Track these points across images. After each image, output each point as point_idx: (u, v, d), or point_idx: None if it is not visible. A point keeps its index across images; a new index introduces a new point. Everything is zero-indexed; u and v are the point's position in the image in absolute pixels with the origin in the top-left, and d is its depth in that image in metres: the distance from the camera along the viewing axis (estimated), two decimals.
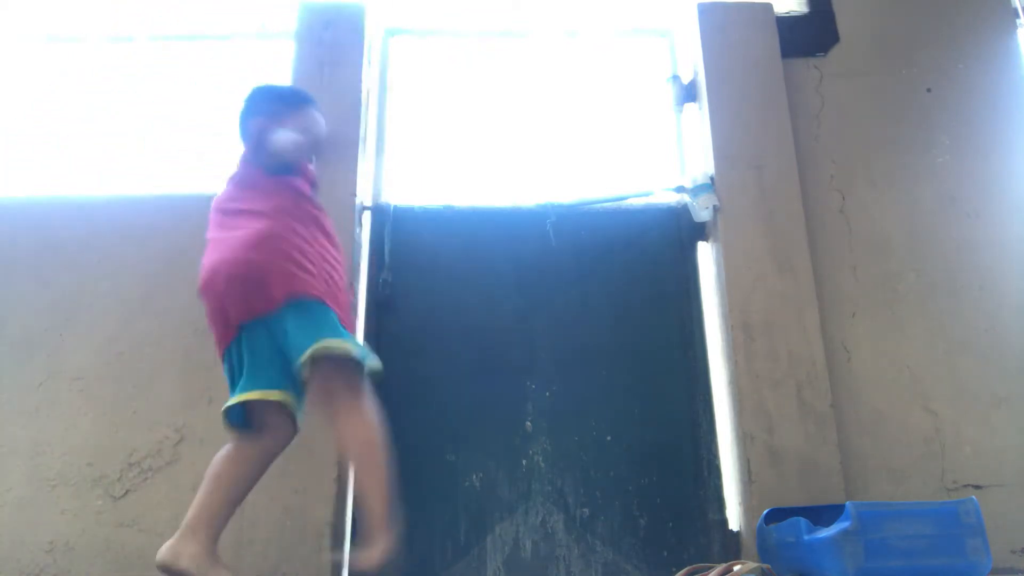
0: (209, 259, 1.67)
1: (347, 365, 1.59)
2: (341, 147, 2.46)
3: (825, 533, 1.68)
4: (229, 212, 1.75)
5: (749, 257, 2.39)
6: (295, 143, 1.79)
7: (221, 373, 2.23)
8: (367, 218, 2.54)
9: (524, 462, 2.31)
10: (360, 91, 2.54)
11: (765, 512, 1.99)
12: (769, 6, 2.71)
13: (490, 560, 2.21)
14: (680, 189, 2.57)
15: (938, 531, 1.65)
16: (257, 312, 1.59)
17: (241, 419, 1.63)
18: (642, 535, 2.25)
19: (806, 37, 2.73)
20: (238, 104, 1.95)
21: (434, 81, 2.90)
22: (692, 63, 2.75)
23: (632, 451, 2.32)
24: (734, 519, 2.26)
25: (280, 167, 1.79)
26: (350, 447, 1.61)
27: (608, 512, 2.27)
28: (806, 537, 1.74)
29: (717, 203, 2.45)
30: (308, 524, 2.09)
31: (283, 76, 2.65)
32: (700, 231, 2.56)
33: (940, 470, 2.26)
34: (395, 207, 2.57)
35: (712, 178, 2.48)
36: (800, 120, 2.60)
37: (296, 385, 1.62)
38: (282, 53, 2.74)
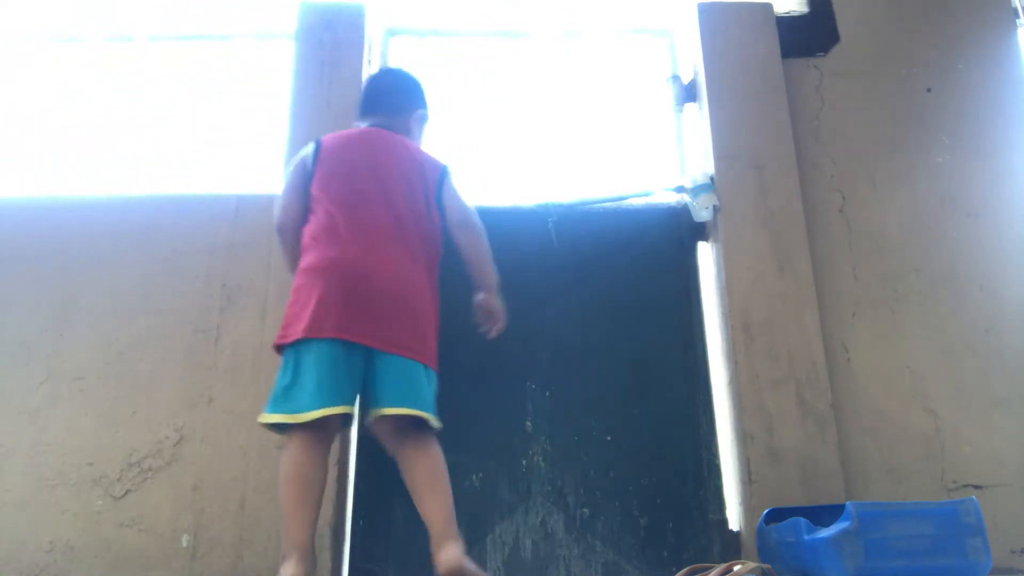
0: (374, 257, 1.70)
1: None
2: None
3: (825, 533, 1.68)
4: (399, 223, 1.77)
5: (749, 257, 2.39)
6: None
7: (221, 373, 2.25)
8: None
9: (524, 462, 2.31)
10: (360, 91, 2.54)
11: (765, 512, 1.99)
12: (769, 6, 2.71)
13: (490, 560, 2.21)
14: (680, 189, 2.57)
15: (938, 531, 1.65)
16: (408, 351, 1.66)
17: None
18: (642, 535, 2.25)
19: (806, 37, 2.73)
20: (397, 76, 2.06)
21: (434, 81, 2.90)
22: (692, 63, 2.75)
23: (632, 451, 2.32)
24: (734, 519, 2.26)
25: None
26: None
27: (608, 512, 2.27)
28: (806, 537, 1.74)
29: (717, 203, 2.46)
30: None
31: (283, 76, 2.65)
32: (700, 231, 2.56)
33: (940, 470, 2.26)
34: None
35: (712, 178, 2.49)
36: (800, 120, 2.60)
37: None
38: (282, 53, 2.74)
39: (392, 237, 1.72)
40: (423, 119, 2.02)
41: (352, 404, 1.66)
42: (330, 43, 2.59)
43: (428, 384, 1.68)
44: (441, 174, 1.88)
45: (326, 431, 1.63)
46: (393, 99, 1.99)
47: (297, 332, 1.61)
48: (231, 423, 2.20)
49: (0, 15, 2.89)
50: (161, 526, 2.12)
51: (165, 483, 2.16)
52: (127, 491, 2.15)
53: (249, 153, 2.69)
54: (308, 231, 1.75)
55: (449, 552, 1.51)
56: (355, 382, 1.63)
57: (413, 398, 1.63)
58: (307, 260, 1.71)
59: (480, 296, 1.87)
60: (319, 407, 1.56)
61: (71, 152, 2.73)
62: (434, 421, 1.66)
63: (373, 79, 2.10)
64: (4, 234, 2.41)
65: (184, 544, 2.10)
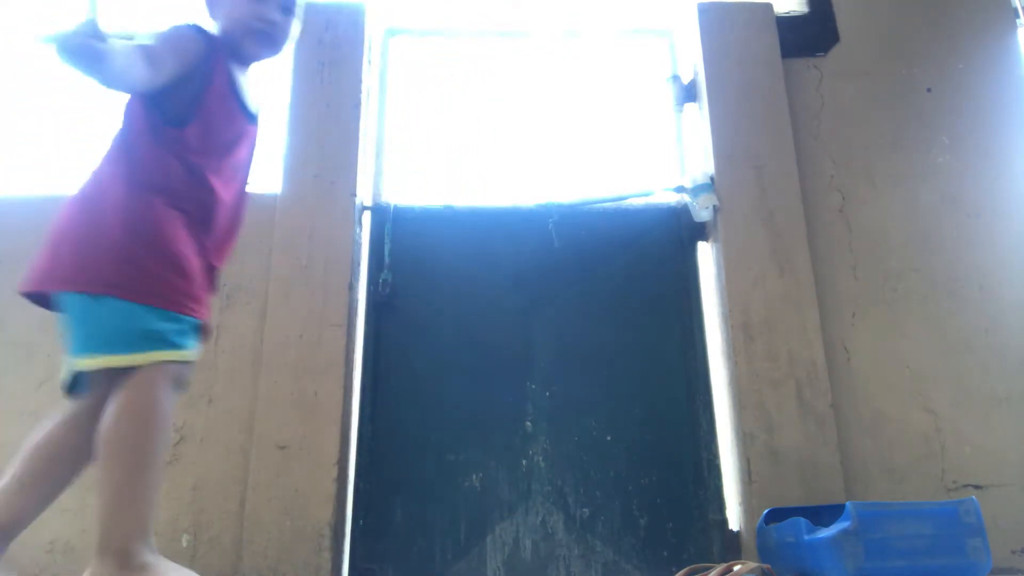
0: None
1: None
2: (341, 147, 2.47)
3: (825, 533, 1.68)
4: None
5: (749, 257, 2.39)
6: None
7: (221, 373, 2.25)
8: (367, 218, 2.54)
9: (524, 462, 2.31)
10: (360, 91, 2.54)
11: (765, 512, 1.99)
12: (769, 6, 2.71)
13: (490, 560, 2.21)
14: (680, 189, 2.57)
15: (938, 531, 1.65)
16: None
17: None
18: (642, 535, 2.25)
19: (806, 37, 2.73)
20: None
21: (434, 81, 2.90)
22: (692, 63, 2.75)
23: (632, 451, 2.32)
24: (734, 519, 2.26)
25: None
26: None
27: (608, 512, 2.27)
28: (806, 537, 1.74)
29: (717, 203, 2.46)
30: (308, 524, 2.09)
31: (283, 76, 2.65)
32: (700, 231, 2.56)
33: (940, 470, 2.26)
34: (395, 207, 2.57)
35: (712, 178, 2.49)
36: (800, 120, 2.60)
37: None
38: (282, 53, 2.74)
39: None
40: None
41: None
42: (330, 43, 2.59)
43: (94, 314, 1.26)
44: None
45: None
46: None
47: None
48: (231, 423, 2.20)
49: (0, 15, 2.89)
50: (161, 526, 2.12)
51: (165, 483, 2.16)
52: None
53: None
54: None
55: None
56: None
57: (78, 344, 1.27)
58: None
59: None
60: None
61: (71, 152, 2.73)
62: (88, 364, 1.25)
63: None
64: (4, 234, 2.41)
65: (184, 544, 2.10)
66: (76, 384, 1.34)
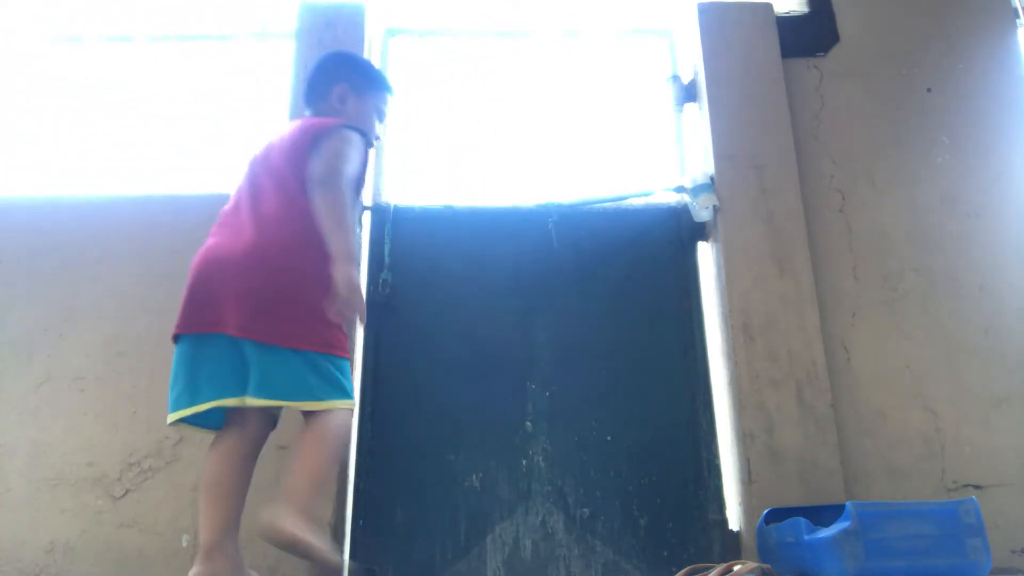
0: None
1: None
2: None
3: (825, 533, 1.68)
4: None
5: (749, 257, 2.39)
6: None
7: None
8: (367, 218, 2.54)
9: (524, 462, 2.31)
10: None
11: (765, 512, 1.99)
12: (769, 6, 2.71)
13: (490, 560, 2.21)
14: (680, 189, 2.57)
15: (938, 531, 1.65)
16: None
17: None
18: (642, 535, 2.25)
19: (806, 37, 2.73)
20: (322, 62, 1.97)
21: (434, 81, 2.90)
22: (692, 63, 2.75)
23: (632, 451, 2.32)
24: (734, 519, 2.26)
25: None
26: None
27: (608, 512, 2.27)
28: (806, 537, 1.74)
29: (717, 203, 2.46)
30: None
31: (283, 76, 2.65)
32: (700, 231, 2.56)
33: (940, 470, 2.26)
34: (395, 207, 2.57)
35: (712, 178, 2.49)
36: (800, 120, 2.60)
37: None
38: (282, 53, 2.74)
39: (267, 220, 1.60)
40: (346, 92, 1.85)
41: (224, 397, 1.54)
42: (330, 43, 2.59)
43: (307, 369, 1.53)
44: (316, 133, 1.67)
45: (232, 430, 1.58)
46: (315, 88, 1.89)
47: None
48: None
49: (0, 15, 2.90)
50: (161, 526, 2.12)
51: (165, 483, 2.16)
52: (127, 491, 2.15)
53: (249, 153, 2.69)
54: None
55: (272, 510, 1.42)
56: (223, 373, 1.53)
57: (274, 388, 1.51)
58: None
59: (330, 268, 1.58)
60: (177, 408, 1.55)
61: (71, 152, 2.73)
62: (314, 406, 1.53)
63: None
64: (4, 234, 2.41)
65: (184, 544, 2.10)
66: (203, 415, 1.57)
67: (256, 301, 1.52)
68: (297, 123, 1.80)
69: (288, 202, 1.62)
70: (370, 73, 1.95)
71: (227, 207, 1.72)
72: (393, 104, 2.03)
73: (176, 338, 1.62)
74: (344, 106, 1.84)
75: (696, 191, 2.47)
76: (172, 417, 1.56)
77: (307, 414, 1.56)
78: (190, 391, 1.54)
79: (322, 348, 1.56)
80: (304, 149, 1.66)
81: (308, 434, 1.54)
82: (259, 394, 1.51)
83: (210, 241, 1.66)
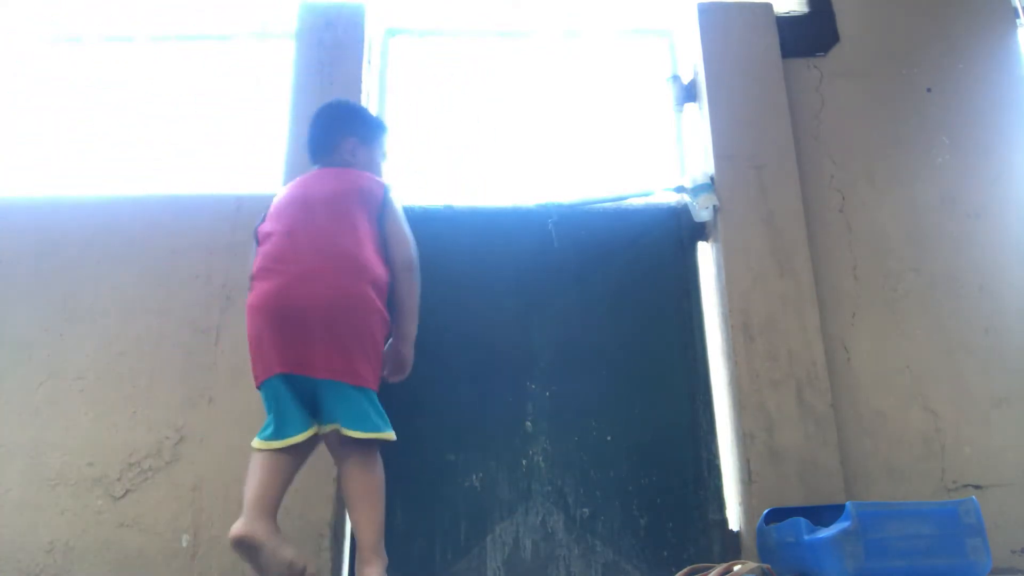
0: None
1: None
2: None
3: (825, 533, 1.68)
4: None
5: (749, 257, 2.39)
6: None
7: (221, 373, 2.25)
8: None
9: (524, 462, 2.31)
10: (360, 91, 2.54)
11: (765, 512, 1.99)
12: (769, 6, 2.71)
13: (490, 560, 2.21)
14: (680, 189, 2.57)
15: (938, 531, 1.65)
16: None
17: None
18: (642, 535, 2.25)
19: (806, 37, 2.73)
20: (324, 116, 2.06)
21: (434, 81, 2.90)
22: (692, 63, 2.75)
23: (632, 451, 2.32)
24: (734, 519, 2.26)
25: None
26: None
27: (608, 512, 2.27)
28: (806, 537, 1.74)
29: (717, 203, 2.46)
30: (308, 524, 2.09)
31: (283, 76, 2.65)
32: (700, 231, 2.56)
33: (940, 470, 2.26)
34: None
35: (712, 178, 2.49)
36: (800, 120, 2.60)
37: None
38: (282, 53, 2.74)
39: (324, 264, 1.74)
40: (355, 146, 2.00)
41: (311, 427, 1.73)
42: (330, 43, 2.59)
43: (364, 402, 1.71)
44: (378, 190, 1.89)
45: (299, 448, 1.73)
46: (323, 142, 2.01)
47: (256, 377, 1.74)
48: (231, 423, 2.20)
49: (0, 15, 2.90)
50: (161, 526, 2.12)
51: (165, 483, 2.16)
52: (127, 491, 2.15)
53: (249, 153, 2.69)
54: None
55: (369, 572, 1.62)
56: (307, 405, 1.72)
57: (346, 417, 1.69)
58: (248, 299, 1.78)
59: (393, 344, 1.85)
60: (283, 438, 1.69)
61: (71, 152, 2.73)
62: (361, 435, 1.69)
63: (309, 125, 2.08)
64: (4, 234, 2.41)
65: (184, 544, 2.10)
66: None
67: (341, 347, 1.69)
68: (327, 173, 1.94)
69: (364, 251, 1.78)
70: (372, 122, 2.10)
71: (276, 248, 1.78)
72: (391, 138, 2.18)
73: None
74: (355, 159, 1.99)
75: (696, 191, 2.47)
76: (261, 446, 1.71)
77: (355, 440, 1.70)
78: (277, 424, 1.71)
79: (376, 386, 1.76)
80: (376, 205, 1.86)
81: (364, 474, 1.73)
82: (354, 427, 1.69)
83: (278, 281, 1.73)
